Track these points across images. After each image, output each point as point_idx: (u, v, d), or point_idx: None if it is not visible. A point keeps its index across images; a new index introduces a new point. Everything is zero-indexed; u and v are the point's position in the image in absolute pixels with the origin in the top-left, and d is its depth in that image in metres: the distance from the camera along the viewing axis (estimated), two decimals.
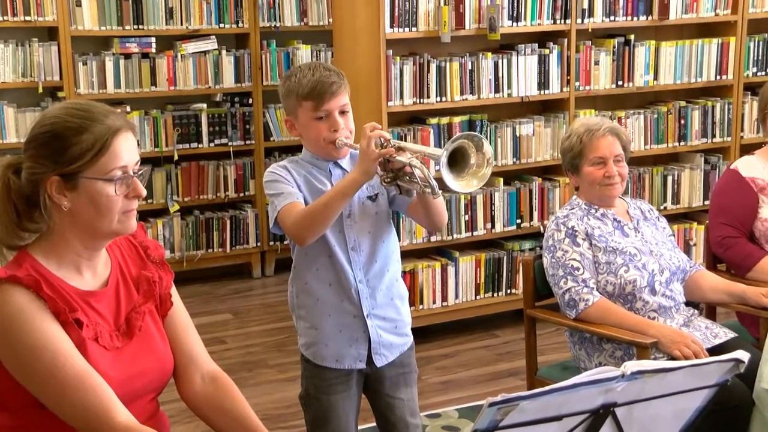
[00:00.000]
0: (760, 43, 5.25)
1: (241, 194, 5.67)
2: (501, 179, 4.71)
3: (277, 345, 4.68)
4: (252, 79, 5.60)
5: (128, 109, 5.32)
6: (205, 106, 5.55)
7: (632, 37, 4.92)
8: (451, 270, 4.61)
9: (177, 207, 5.48)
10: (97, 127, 1.84)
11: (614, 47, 4.86)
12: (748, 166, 3.39)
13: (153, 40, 5.34)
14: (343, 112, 2.51)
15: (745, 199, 3.33)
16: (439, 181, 2.29)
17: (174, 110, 5.47)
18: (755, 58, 5.24)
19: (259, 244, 5.72)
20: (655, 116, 5.02)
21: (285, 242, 5.79)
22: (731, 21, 5.12)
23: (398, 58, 4.38)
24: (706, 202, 5.07)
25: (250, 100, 5.63)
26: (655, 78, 4.99)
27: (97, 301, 1.91)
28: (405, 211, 2.60)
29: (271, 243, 5.75)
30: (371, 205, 2.55)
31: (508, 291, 4.77)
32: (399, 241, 4.49)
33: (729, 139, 5.20)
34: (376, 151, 2.35)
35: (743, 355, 1.74)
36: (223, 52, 5.53)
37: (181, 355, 2.02)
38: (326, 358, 2.57)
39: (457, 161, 2.26)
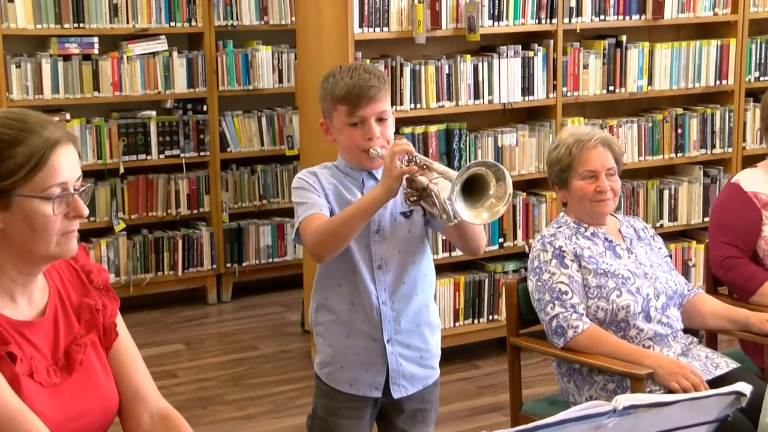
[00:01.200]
0: (763, 45, 5.33)
1: (195, 211, 5.66)
2: None
3: (234, 379, 4.66)
4: (206, 84, 5.60)
5: (68, 117, 5.29)
6: (154, 113, 5.53)
7: (624, 38, 4.97)
8: None
9: (123, 225, 5.45)
10: (34, 139, 1.84)
11: (605, 49, 4.92)
12: (750, 180, 3.43)
13: (95, 40, 5.32)
14: (380, 120, 2.55)
15: (747, 216, 3.37)
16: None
17: (119, 118, 5.45)
18: (757, 61, 5.32)
19: (214, 266, 5.71)
20: (650, 125, 5.07)
21: (245, 264, 5.78)
22: (731, 21, 5.19)
23: (368, 60, 4.41)
24: (706, 219, 5.12)
25: (205, 107, 5.63)
26: (650, 83, 5.05)
27: (32, 333, 1.90)
28: (441, 231, 2.66)
29: (228, 265, 5.74)
30: (404, 222, 2.58)
31: (490, 317, 4.78)
32: None
33: (730, 150, 5.27)
34: (399, 168, 2.39)
35: (745, 387, 1.76)
36: (174, 53, 5.52)
37: (128, 392, 2.01)
38: (340, 381, 2.60)
39: (475, 190, 2.29)
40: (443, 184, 2.37)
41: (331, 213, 2.53)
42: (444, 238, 4.45)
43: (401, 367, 2.59)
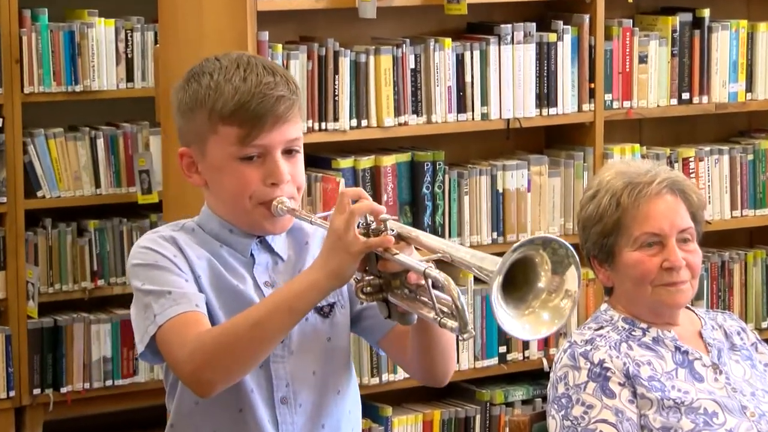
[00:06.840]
0: None
1: None
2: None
3: None
4: (3, 82, 5.62)
5: None
6: None
7: (706, 13, 5.08)
8: None
9: None
10: None
11: (674, 31, 5.00)
12: None
13: None
14: (289, 152, 2.55)
15: None
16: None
17: None
18: None
19: (12, 394, 5.67)
20: (750, 157, 5.15)
21: (65, 389, 5.73)
22: None
23: (280, 46, 4.45)
24: None
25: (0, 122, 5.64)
26: (749, 89, 5.14)
27: None
28: (378, 342, 2.65)
29: (36, 392, 5.69)
30: (322, 324, 2.59)
31: None
32: None
33: None
34: (362, 240, 2.36)
35: None
36: None
37: None
38: None
39: (515, 280, 2.28)
40: (439, 273, 2.31)
41: (209, 312, 2.50)
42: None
43: None
